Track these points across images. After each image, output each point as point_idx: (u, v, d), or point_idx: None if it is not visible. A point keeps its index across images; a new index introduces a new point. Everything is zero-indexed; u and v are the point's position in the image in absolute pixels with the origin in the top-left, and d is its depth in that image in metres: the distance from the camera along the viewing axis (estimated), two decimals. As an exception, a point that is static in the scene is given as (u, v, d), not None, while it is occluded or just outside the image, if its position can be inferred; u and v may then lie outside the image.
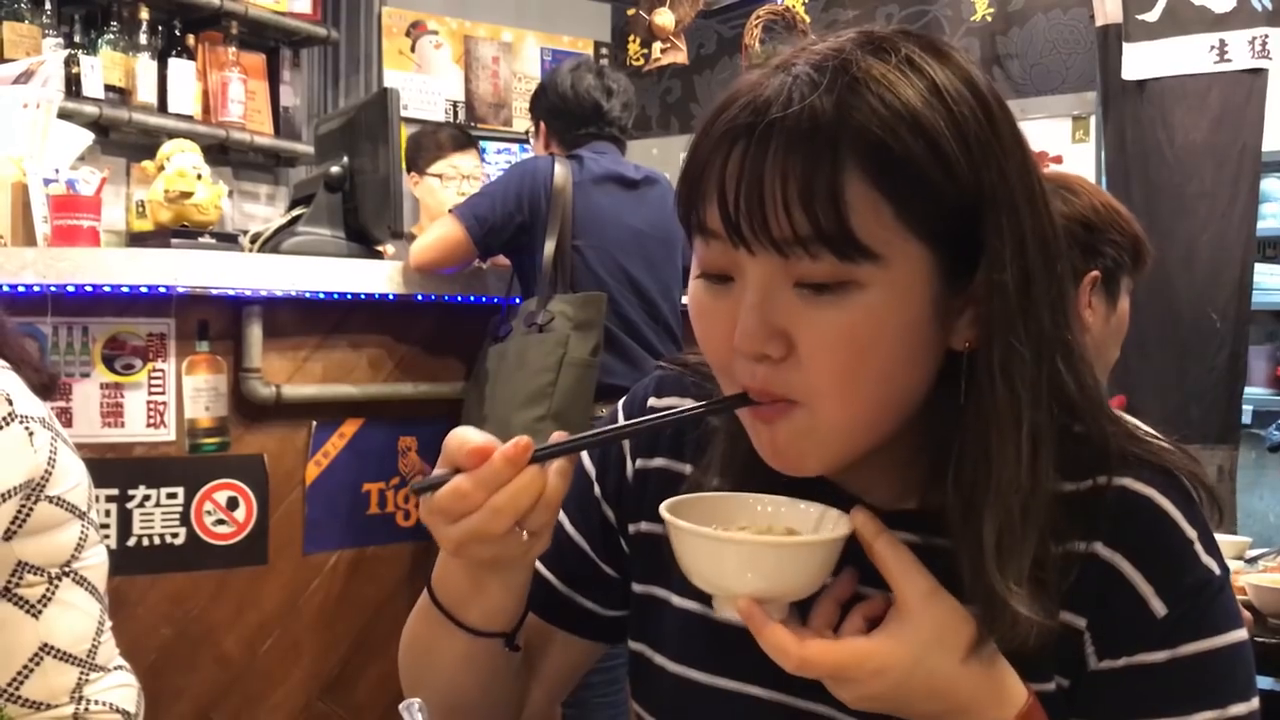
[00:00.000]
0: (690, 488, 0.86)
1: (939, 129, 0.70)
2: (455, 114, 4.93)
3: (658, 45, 4.04)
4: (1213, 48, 3.81)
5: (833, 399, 0.73)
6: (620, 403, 0.99)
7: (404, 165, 3.77)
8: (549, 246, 2.51)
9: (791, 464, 0.78)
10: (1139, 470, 0.80)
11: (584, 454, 0.96)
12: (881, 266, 0.70)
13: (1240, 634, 0.79)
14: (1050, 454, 0.76)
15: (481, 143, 4.86)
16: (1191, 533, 0.78)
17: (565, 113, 2.73)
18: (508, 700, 0.97)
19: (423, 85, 4.87)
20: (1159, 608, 0.77)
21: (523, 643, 0.93)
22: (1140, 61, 3.92)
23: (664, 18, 4.02)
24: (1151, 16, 3.92)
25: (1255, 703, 0.78)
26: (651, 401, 0.96)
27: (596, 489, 0.97)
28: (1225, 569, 0.80)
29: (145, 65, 3.84)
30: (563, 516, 0.96)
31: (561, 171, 2.56)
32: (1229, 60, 3.78)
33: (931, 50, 0.74)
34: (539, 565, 0.97)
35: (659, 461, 0.94)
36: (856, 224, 0.69)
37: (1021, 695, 0.76)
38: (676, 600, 0.92)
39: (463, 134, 3.99)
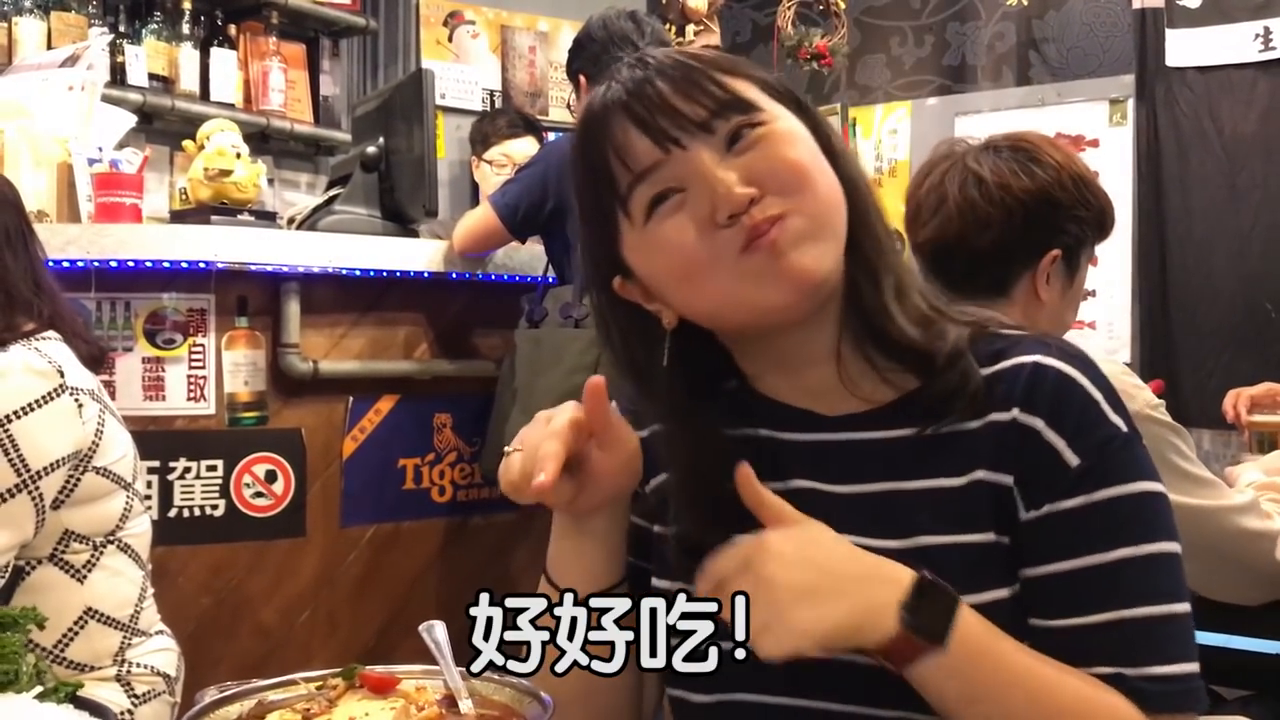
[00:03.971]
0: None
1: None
2: (492, 103, 4.93)
3: (691, 28, 4.03)
4: (1257, 35, 3.77)
5: (805, 193, 0.89)
6: None
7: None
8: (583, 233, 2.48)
9: (801, 270, 0.89)
10: (1041, 350, 0.92)
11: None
12: (772, 115, 0.91)
13: (1152, 485, 0.89)
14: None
15: (517, 132, 4.90)
16: (1097, 394, 0.90)
17: (603, 57, 2.66)
18: (627, 686, 1.01)
19: (460, 75, 4.88)
20: (1072, 459, 0.88)
21: None
22: (1184, 48, 3.87)
23: (697, 1, 4.01)
24: (1193, 2, 3.88)
25: (1175, 546, 0.88)
26: None
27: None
28: (1134, 429, 0.90)
29: (188, 54, 3.88)
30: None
31: None
32: (1273, 49, 3.74)
33: None
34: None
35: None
36: (743, 93, 0.91)
37: (908, 571, 0.84)
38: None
39: (520, 120, 4.00)
